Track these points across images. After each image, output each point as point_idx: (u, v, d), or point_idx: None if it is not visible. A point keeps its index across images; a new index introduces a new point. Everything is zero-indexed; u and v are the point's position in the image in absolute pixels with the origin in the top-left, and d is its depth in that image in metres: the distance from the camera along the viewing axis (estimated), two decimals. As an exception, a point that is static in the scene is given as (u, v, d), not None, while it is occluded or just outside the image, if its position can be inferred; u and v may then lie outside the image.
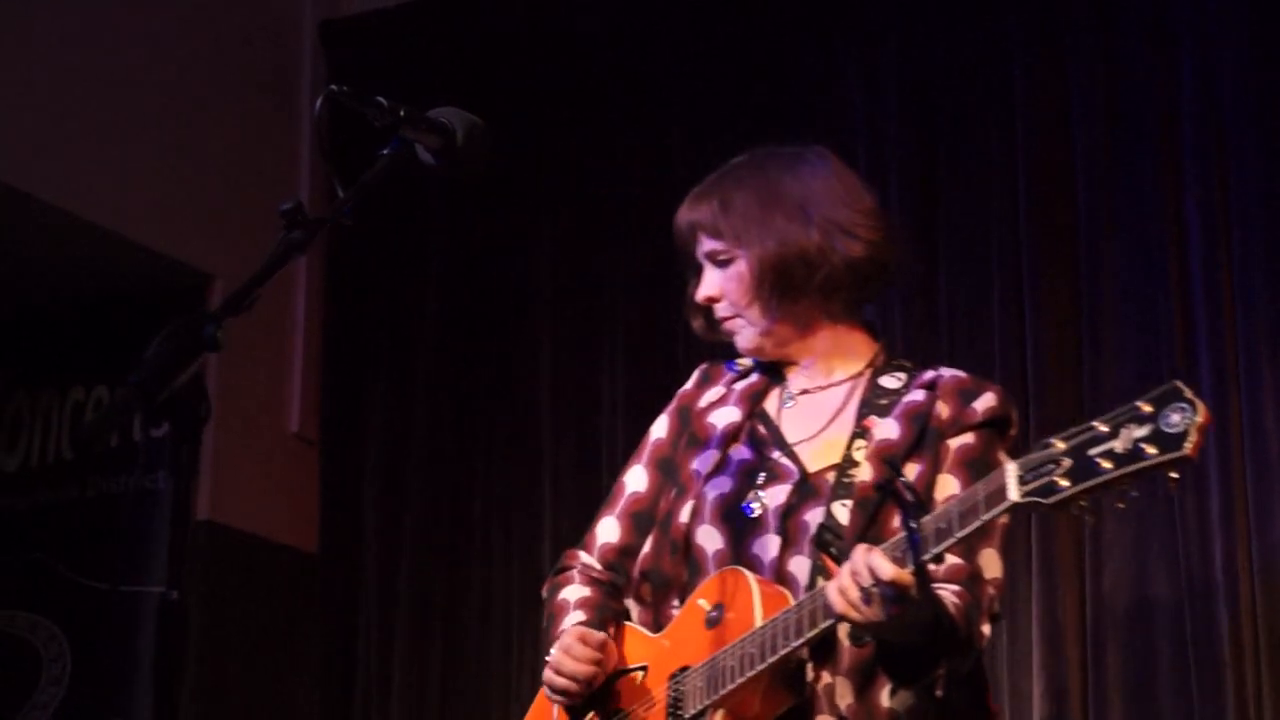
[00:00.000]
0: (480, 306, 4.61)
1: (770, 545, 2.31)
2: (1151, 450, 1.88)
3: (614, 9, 4.53)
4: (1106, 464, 1.89)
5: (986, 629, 2.24)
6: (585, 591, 2.47)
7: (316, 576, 4.62)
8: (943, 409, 2.34)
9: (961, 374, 2.41)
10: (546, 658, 2.38)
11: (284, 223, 1.85)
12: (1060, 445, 1.94)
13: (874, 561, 2.04)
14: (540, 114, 4.56)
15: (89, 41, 4.37)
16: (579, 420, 4.36)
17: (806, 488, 2.34)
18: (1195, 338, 3.64)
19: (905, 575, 2.02)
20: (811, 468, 2.36)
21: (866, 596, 2.04)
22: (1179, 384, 1.89)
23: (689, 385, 2.58)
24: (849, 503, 2.28)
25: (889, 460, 2.26)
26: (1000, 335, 3.85)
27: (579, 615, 2.42)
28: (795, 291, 2.39)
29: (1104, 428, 1.91)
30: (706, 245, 2.45)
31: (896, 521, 2.19)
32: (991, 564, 2.28)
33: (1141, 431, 1.89)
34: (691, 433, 2.49)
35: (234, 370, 4.41)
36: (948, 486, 2.28)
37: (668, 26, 4.47)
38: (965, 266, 3.95)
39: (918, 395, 2.37)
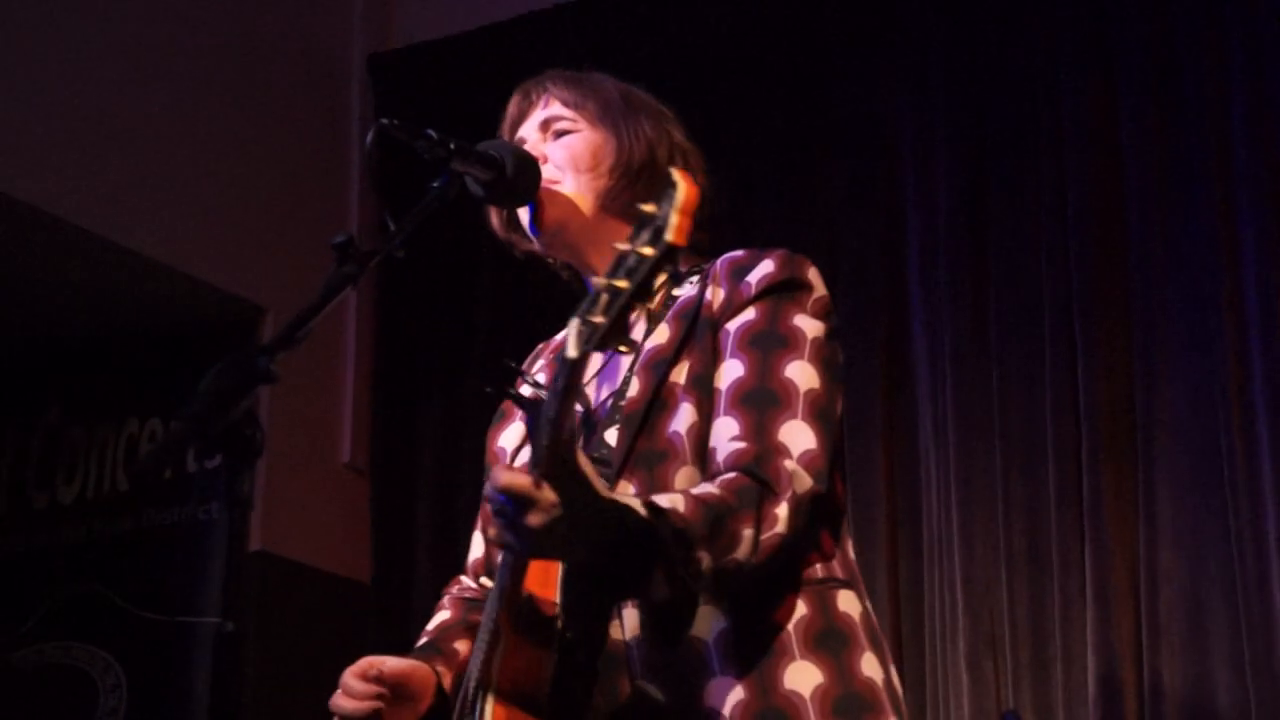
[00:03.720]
0: (530, 335, 4.60)
1: None
2: (649, 251, 1.59)
3: (660, 34, 4.55)
4: (623, 283, 1.60)
5: (780, 511, 1.87)
6: (444, 615, 2.32)
7: (369, 606, 4.63)
8: (715, 295, 2.06)
9: (739, 252, 2.12)
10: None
11: (336, 256, 1.86)
12: (601, 282, 1.62)
13: (493, 472, 1.72)
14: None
15: (141, 80, 4.42)
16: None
17: (589, 423, 2.08)
18: (1250, 359, 3.61)
19: (520, 479, 1.68)
20: (594, 401, 2.11)
21: (503, 516, 1.72)
22: (672, 169, 1.66)
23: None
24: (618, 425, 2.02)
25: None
26: (1051, 356, 3.83)
27: (420, 641, 2.27)
28: (634, 186, 2.19)
29: (625, 246, 1.62)
30: (553, 111, 2.25)
31: (672, 427, 1.98)
32: (796, 434, 1.94)
33: (646, 234, 1.61)
34: (500, 409, 2.31)
35: (286, 402, 4.44)
36: (731, 373, 1.99)
37: (712, 50, 4.48)
38: (1015, 287, 3.93)
39: (691, 290, 2.11)
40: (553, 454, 1.67)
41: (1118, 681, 3.58)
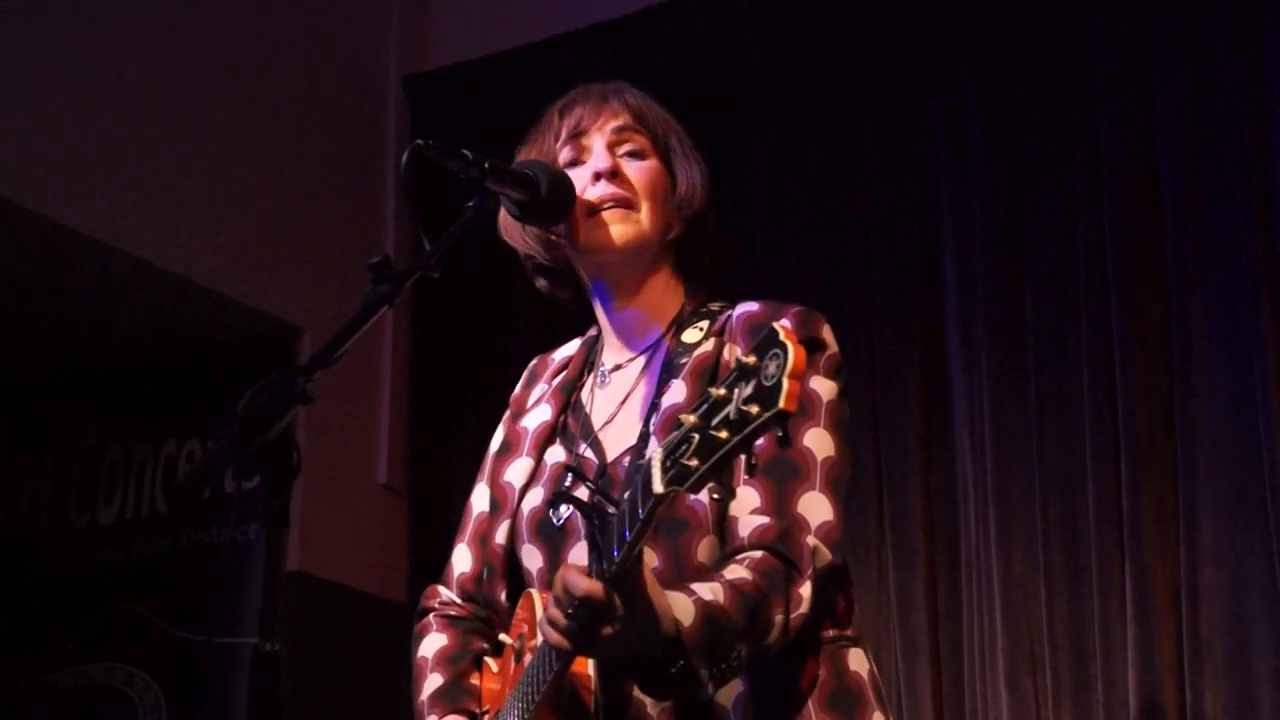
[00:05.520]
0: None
1: (585, 554, 2.01)
2: (755, 409, 1.58)
3: (695, 55, 4.55)
4: (723, 434, 1.60)
5: (804, 591, 1.96)
6: (442, 640, 2.29)
7: (406, 627, 4.62)
8: (733, 354, 2.08)
9: (754, 306, 2.14)
10: None
11: (372, 276, 1.87)
12: (691, 420, 1.64)
13: (568, 579, 1.76)
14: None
15: (177, 102, 4.45)
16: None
17: (605, 480, 2.09)
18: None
19: (596, 588, 1.74)
20: (610, 455, 2.13)
21: (574, 622, 1.77)
22: (777, 325, 1.61)
23: (518, 387, 2.40)
24: None
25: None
26: (1089, 373, 3.80)
27: (436, 680, 2.23)
28: (691, 230, 2.22)
29: (722, 391, 1.62)
30: (627, 130, 2.24)
31: (690, 498, 1.98)
32: (815, 506, 2.01)
33: (748, 389, 1.59)
34: (504, 440, 2.31)
35: (323, 422, 4.46)
36: None
37: (747, 71, 4.48)
38: (1052, 303, 3.91)
39: (709, 345, 2.12)
40: (623, 572, 1.74)
41: (1159, 701, 3.55)
